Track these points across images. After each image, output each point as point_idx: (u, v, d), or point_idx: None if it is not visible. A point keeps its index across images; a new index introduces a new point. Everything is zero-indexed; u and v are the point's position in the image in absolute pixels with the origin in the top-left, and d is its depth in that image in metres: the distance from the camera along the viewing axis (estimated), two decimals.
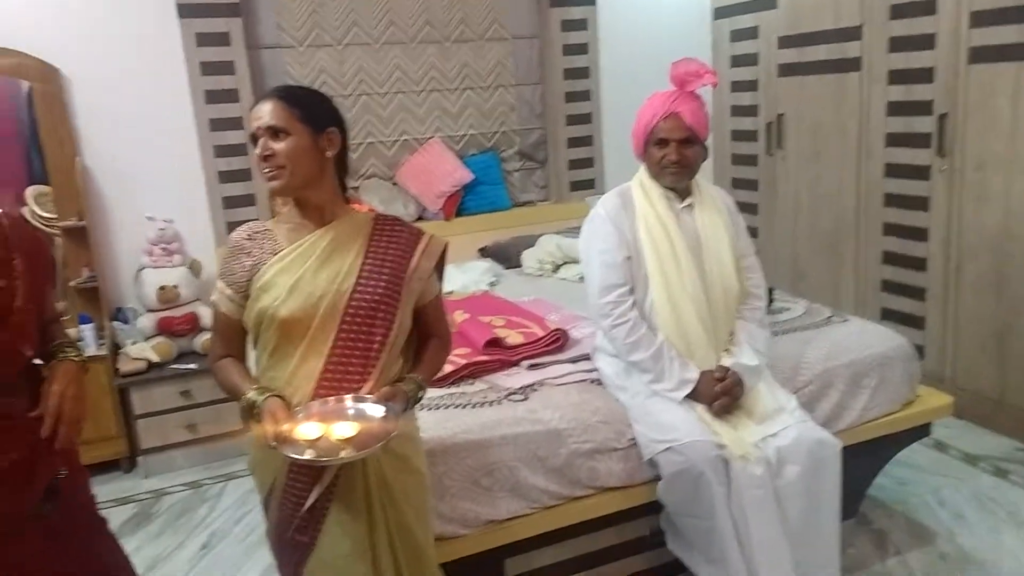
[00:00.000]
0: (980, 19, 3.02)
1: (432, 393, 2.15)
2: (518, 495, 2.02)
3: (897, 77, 3.40)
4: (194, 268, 3.45)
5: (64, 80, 3.31)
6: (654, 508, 2.12)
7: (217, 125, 3.56)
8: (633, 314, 2.13)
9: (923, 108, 3.30)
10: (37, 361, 1.48)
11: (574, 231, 3.70)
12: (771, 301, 2.68)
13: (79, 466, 1.52)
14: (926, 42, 3.24)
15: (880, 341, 2.50)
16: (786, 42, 3.96)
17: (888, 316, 3.56)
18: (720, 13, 4.36)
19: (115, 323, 3.40)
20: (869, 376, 2.42)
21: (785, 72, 3.99)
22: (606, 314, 2.15)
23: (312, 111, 1.55)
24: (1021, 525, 2.61)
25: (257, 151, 1.54)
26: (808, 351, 2.43)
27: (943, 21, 3.16)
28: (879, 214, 3.59)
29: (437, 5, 3.97)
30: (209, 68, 3.52)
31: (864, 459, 2.42)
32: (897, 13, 3.35)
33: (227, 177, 3.62)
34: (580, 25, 4.20)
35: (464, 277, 3.40)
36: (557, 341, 2.48)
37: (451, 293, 3.15)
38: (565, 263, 3.61)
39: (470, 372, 2.32)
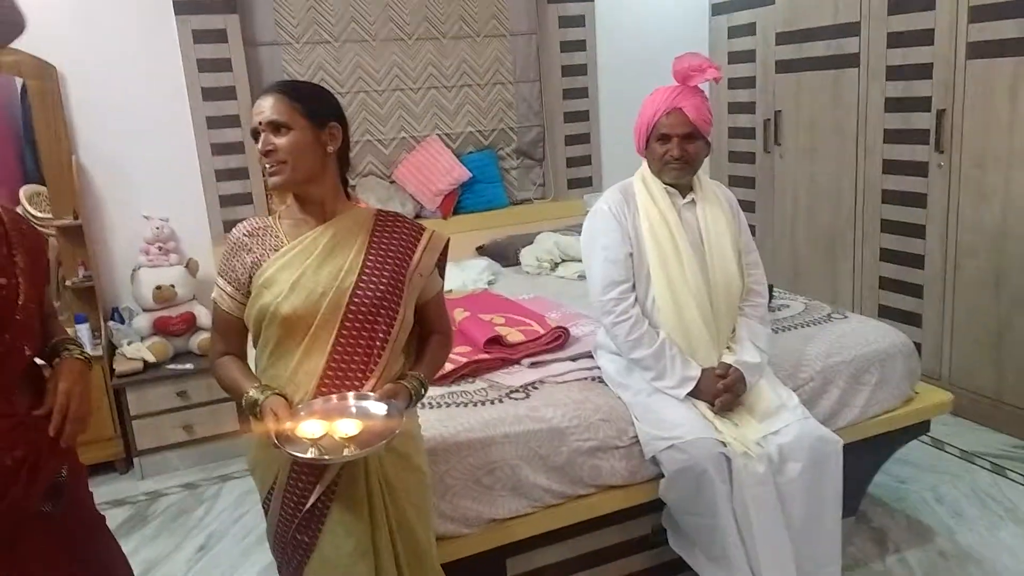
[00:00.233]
0: (978, 14, 3.02)
1: (433, 391, 2.14)
2: (520, 494, 2.01)
3: (895, 73, 3.40)
4: (191, 267, 3.43)
5: (59, 77, 3.28)
6: (656, 506, 2.11)
7: (214, 123, 3.54)
8: (635, 311, 2.12)
9: (921, 104, 3.30)
10: (37, 360, 1.47)
11: (572, 229, 3.71)
12: (771, 298, 2.68)
13: (78, 464, 1.51)
14: (924, 38, 3.24)
15: (880, 337, 2.50)
16: (784, 38, 3.96)
17: (885, 313, 3.56)
18: (718, 9, 4.36)
19: (111, 323, 3.38)
20: (870, 373, 2.41)
21: (783, 68, 3.99)
22: (608, 311, 2.14)
23: (314, 106, 1.54)
24: (1019, 522, 2.61)
25: (258, 146, 1.52)
26: (809, 348, 2.42)
27: (941, 17, 3.16)
28: (877, 211, 3.59)
29: (435, 2, 3.96)
30: (206, 65, 3.50)
31: (865, 456, 2.42)
32: (895, 9, 3.35)
33: (224, 175, 3.60)
34: (578, 21, 4.19)
35: (462, 275, 3.38)
36: (558, 339, 2.47)
37: (450, 291, 3.13)
38: (563, 261, 3.60)
39: (471, 370, 2.31)
